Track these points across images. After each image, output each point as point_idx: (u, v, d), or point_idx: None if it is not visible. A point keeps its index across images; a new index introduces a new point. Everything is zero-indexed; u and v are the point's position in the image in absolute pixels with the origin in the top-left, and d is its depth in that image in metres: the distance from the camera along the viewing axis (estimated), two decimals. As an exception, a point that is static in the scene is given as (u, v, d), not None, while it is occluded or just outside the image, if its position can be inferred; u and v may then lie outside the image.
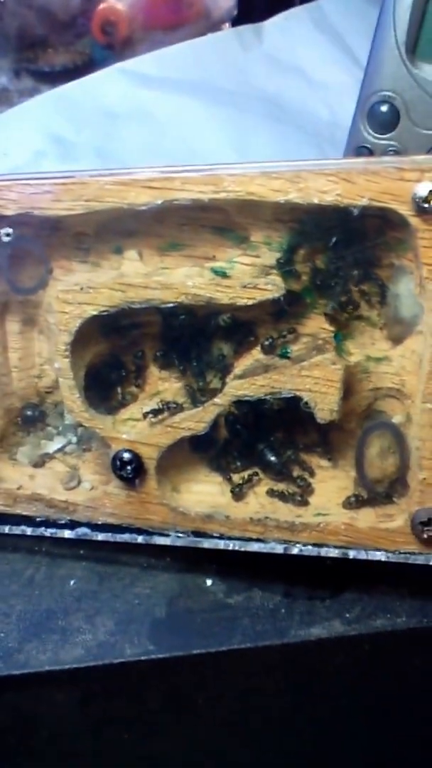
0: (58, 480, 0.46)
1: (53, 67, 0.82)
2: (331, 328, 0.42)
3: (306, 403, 0.40)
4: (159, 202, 0.40)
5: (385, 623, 0.43)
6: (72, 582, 0.46)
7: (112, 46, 0.80)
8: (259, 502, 0.44)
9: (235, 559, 0.44)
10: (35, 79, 0.84)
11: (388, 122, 0.53)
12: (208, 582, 0.46)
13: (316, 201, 0.38)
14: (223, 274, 0.41)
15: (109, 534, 0.45)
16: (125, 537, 0.45)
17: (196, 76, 0.76)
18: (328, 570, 0.44)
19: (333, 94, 0.77)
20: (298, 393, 0.41)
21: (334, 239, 0.40)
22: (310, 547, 0.42)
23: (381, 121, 0.53)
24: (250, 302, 0.40)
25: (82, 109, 0.73)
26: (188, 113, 0.73)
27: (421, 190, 0.36)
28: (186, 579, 0.46)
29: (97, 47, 0.81)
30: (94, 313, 0.41)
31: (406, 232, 0.38)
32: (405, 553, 0.41)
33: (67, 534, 0.45)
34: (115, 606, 0.45)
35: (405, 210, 0.37)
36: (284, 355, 0.42)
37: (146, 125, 0.73)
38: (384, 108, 0.52)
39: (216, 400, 0.42)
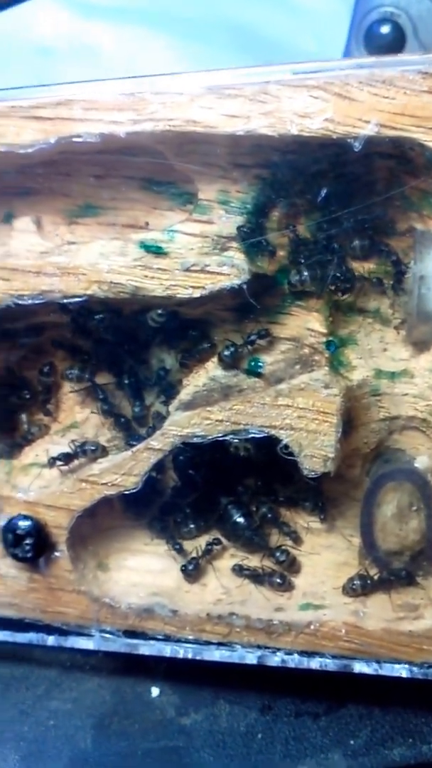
0: None
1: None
2: (323, 330, 0.32)
3: (286, 446, 0.31)
4: (53, 140, 0.31)
5: (406, 753, 0.34)
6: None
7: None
8: (222, 584, 0.35)
9: (191, 659, 0.35)
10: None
11: (390, 45, 0.47)
12: (154, 691, 0.37)
13: (293, 131, 0.29)
14: (156, 251, 0.32)
15: (8, 633, 0.37)
16: (29, 637, 0.36)
17: (151, 4, 0.69)
18: (322, 674, 0.35)
19: (321, 22, 0.68)
20: (273, 432, 0.31)
21: (323, 192, 0.31)
22: (296, 656, 0.34)
23: (382, 44, 0.47)
24: (198, 293, 0.31)
25: (9, 44, 0.67)
26: (142, 48, 0.67)
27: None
28: (123, 686, 0.37)
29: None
30: None
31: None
32: (438, 666, 0.33)
33: None
34: (23, 730, 0.36)
35: None
36: (253, 371, 0.33)
37: (89, 64, 0.69)
38: (385, 28, 0.46)
39: (152, 442, 0.34)
